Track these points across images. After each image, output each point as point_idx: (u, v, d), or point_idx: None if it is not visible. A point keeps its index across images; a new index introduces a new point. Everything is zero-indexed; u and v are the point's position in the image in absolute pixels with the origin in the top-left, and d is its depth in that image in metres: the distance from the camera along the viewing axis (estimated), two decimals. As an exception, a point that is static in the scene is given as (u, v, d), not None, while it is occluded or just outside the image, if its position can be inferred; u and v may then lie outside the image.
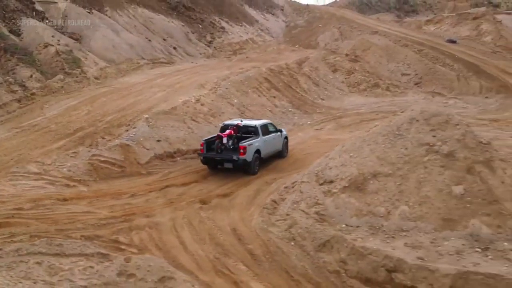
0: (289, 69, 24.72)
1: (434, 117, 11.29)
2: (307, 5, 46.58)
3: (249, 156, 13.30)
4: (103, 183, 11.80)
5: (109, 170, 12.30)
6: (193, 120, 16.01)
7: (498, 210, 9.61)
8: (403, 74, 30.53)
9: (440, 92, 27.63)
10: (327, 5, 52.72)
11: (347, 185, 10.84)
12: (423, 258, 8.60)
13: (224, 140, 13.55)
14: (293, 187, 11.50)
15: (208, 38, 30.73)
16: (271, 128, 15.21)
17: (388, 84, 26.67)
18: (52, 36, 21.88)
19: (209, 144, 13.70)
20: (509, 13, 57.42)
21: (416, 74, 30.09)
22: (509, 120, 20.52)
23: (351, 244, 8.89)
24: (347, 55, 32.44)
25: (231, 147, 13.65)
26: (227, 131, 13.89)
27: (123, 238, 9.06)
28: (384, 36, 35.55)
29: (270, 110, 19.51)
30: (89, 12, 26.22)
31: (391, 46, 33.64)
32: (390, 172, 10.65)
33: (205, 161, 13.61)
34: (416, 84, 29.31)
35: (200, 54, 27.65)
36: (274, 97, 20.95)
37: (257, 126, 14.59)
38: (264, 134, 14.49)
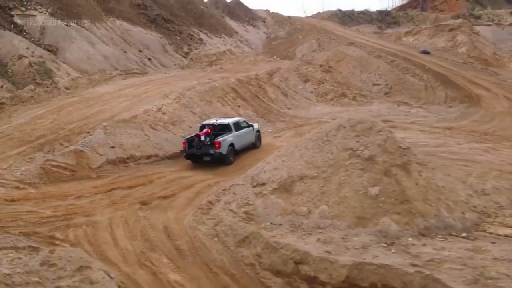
0: (258, 80, 25.63)
1: (359, 124, 12.18)
2: (289, 16, 47.67)
3: (224, 149, 15.76)
4: (52, 186, 12.59)
5: (60, 174, 13.10)
6: (152, 128, 16.83)
7: (408, 209, 10.43)
8: (374, 84, 31.55)
9: (407, 101, 28.61)
10: (310, 16, 53.83)
11: (276, 187, 11.68)
12: (330, 251, 9.39)
13: (202, 138, 15.83)
14: (229, 189, 12.34)
15: (185, 49, 31.69)
16: (243, 124, 17.66)
17: (355, 94, 27.61)
18: (27, 48, 22.79)
19: (190, 142, 16.10)
20: (488, 25, 58.81)
21: (387, 84, 31.10)
22: (462, 128, 21.45)
23: (266, 239, 9.69)
24: (321, 65, 33.47)
25: (209, 143, 15.90)
26: (204, 130, 16.23)
27: (59, 235, 9.83)
28: (359, 47, 36.59)
29: (232, 119, 20.35)
30: (66, 25, 27.17)
31: (364, 57, 34.71)
32: (315, 174, 11.49)
33: (187, 156, 16.00)
34: (386, 93, 30.31)
35: (175, 65, 28.57)
36: (239, 106, 21.83)
37: (229, 123, 17.05)
38: (236, 130, 17.00)
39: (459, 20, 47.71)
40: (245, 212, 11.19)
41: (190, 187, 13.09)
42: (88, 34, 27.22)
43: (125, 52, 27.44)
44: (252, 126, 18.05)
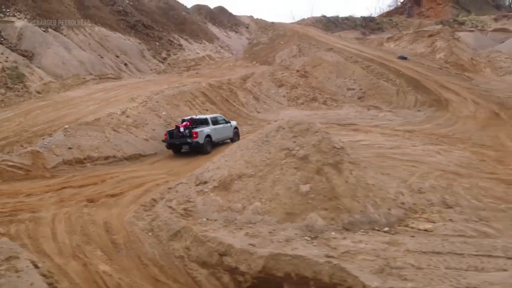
0: (230, 84, 26.27)
1: (297, 125, 12.77)
2: (272, 23, 48.43)
3: (201, 139, 17.78)
4: (5, 185, 13.13)
5: (14, 173, 13.65)
6: (114, 130, 17.40)
7: (336, 205, 11.00)
8: (349, 89, 32.30)
9: (378, 105, 29.31)
10: (295, 23, 54.61)
11: (217, 185, 12.26)
12: (255, 244, 9.95)
13: (181, 129, 17.79)
14: (174, 187, 12.91)
15: (164, 55, 32.34)
16: (221, 120, 19.88)
17: (326, 98, 28.27)
18: (1, 53, 23.37)
19: (171, 133, 18.14)
20: (471, 31, 59.73)
21: (361, 89, 31.83)
22: (423, 131, 22.09)
23: (195, 233, 10.25)
24: (297, 71, 34.26)
25: (188, 134, 17.80)
26: (184, 123, 18.29)
27: (1, 229, 10.37)
28: (338, 53, 37.37)
29: (198, 122, 20.95)
30: (44, 31, 27.78)
31: (341, 62, 35.47)
32: (253, 173, 12.07)
33: (169, 146, 18.13)
34: (359, 98, 31.04)
35: (151, 70, 29.19)
36: (207, 110, 22.43)
37: (207, 118, 19.22)
38: (214, 124, 19.06)
39: (439, 26, 48.63)
40: (185, 209, 11.75)
41: (140, 186, 13.63)
42: (66, 40, 27.82)
43: (101, 57, 28.03)
44: (229, 122, 20.26)
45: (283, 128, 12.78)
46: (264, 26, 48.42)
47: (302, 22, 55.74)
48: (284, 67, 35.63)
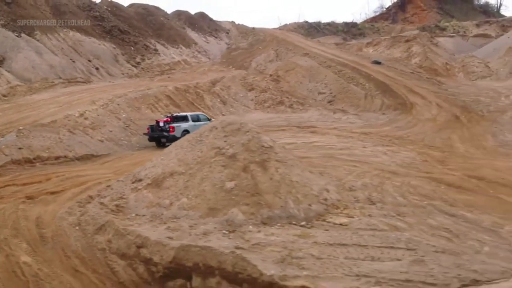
0: (197, 88, 26.86)
1: (230, 125, 13.33)
2: (253, 28, 49.12)
3: (177, 133, 19.68)
4: (-51, 183, 13.67)
5: (-38, 172, 14.20)
6: (70, 131, 17.92)
7: (257, 201, 11.53)
8: (319, 93, 32.97)
9: (346, 109, 29.94)
10: (277, 28, 55.34)
11: (150, 182, 12.78)
12: (172, 237, 10.47)
13: (161, 124, 20.00)
14: (111, 185, 13.44)
15: (138, 59, 32.94)
16: (202, 118, 21.90)
17: (293, 102, 28.90)
18: (-29, 58, 23.99)
19: (152, 128, 20.32)
20: (452, 36, 60.57)
21: (331, 93, 32.48)
22: (380, 133, 22.71)
23: (117, 226, 10.77)
24: (270, 75, 34.89)
25: (166, 128, 19.93)
26: (164, 119, 20.52)
27: None
28: (313, 58, 38.05)
29: (159, 124, 21.50)
30: (17, 36, 28.35)
31: (315, 67, 36.15)
32: (183, 171, 12.60)
33: (150, 139, 20.39)
34: (329, 102, 31.70)
35: (123, 74, 29.78)
36: (169, 112, 22.95)
37: (187, 115, 21.57)
38: (194, 121, 21.05)
39: (415, 32, 49.42)
40: (117, 205, 12.26)
41: (83, 184, 14.12)
42: (38, 45, 28.40)
43: (73, 61, 28.61)
44: (211, 120, 21.09)
45: (216, 128, 13.33)
46: (244, 31, 49.09)
47: (284, 27, 56.46)
48: (258, 71, 36.27)
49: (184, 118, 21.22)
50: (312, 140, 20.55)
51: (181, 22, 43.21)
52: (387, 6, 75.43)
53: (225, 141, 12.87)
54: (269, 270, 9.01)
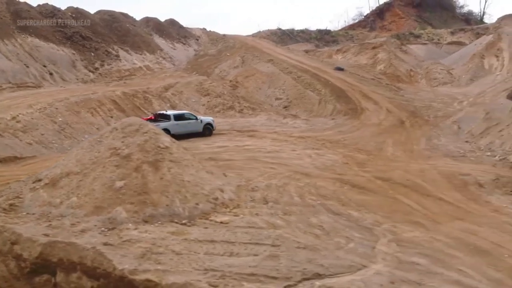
0: (146, 93, 27.15)
1: (129, 126, 13.61)
2: (224, 35, 49.55)
3: None
4: None
5: None
6: (-2, 134, 18.16)
7: (143, 200, 11.79)
8: (276, 99, 33.35)
9: (299, 114, 30.28)
10: (250, 35, 55.85)
11: (47, 182, 12.99)
12: (49, 234, 10.70)
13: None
14: (10, 185, 13.67)
15: (97, 65, 33.22)
16: (188, 116, 23.03)
17: (244, 107, 29.24)
18: None
19: None
20: (424, 43, 61.20)
21: (287, 99, 32.87)
22: (318, 137, 23.03)
23: (-5, 224, 10.99)
24: (230, 81, 35.23)
25: None
26: (149, 117, 21.98)
27: None
28: (277, 64, 38.45)
29: (97, 128, 21.75)
30: (-29, 41, 28.66)
31: (276, 73, 36.59)
32: (79, 171, 12.82)
33: None
34: (285, 107, 32.09)
35: (77, 79, 30.05)
36: (112, 117, 23.23)
37: (170, 114, 22.51)
38: (177, 120, 22.14)
39: (383, 39, 50.05)
40: (11, 204, 12.45)
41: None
42: (-8, 50, 28.67)
43: (27, 67, 28.86)
44: (198, 119, 23.04)
45: (116, 129, 13.59)
46: (215, 38, 49.49)
47: (258, 34, 56.99)
48: (220, 77, 36.63)
49: (167, 117, 22.21)
50: (245, 143, 20.85)
51: (149, 29, 43.60)
52: (365, 14, 76.17)
53: (122, 142, 13.13)
54: (124, 264, 9.26)
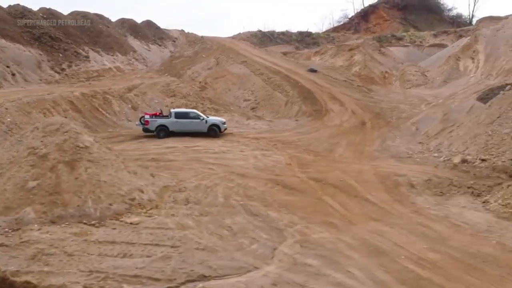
0: (107, 94, 26.89)
1: (50, 125, 13.38)
2: (202, 36, 49.33)
3: (151, 127, 22.42)
4: None
5: None
6: None
7: (54, 200, 11.57)
8: (245, 100, 33.12)
9: (264, 115, 30.04)
10: (229, 37, 55.66)
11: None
12: None
13: (146, 117, 22.79)
14: None
15: (64, 66, 32.93)
16: (192, 115, 23.25)
17: (208, 108, 29.01)
18: None
19: (140, 119, 23.52)
20: (406, 46, 61.16)
21: (255, 100, 32.66)
22: (273, 138, 22.85)
23: None
24: (200, 82, 35.03)
25: (143, 122, 22.85)
26: (154, 112, 23.86)
27: None
28: (249, 65, 38.20)
29: (48, 129, 21.46)
30: None
31: (247, 74, 36.38)
32: (-5, 171, 12.64)
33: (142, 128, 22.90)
34: (252, 108, 31.85)
35: (41, 80, 29.74)
36: (66, 117, 22.92)
37: (171, 111, 23.22)
38: (178, 118, 22.76)
39: (360, 40, 49.96)
40: None
41: None
42: (-48, 50, 28.39)
43: (-12, 67, 28.58)
44: (202, 118, 23.05)
45: (37, 129, 13.37)
46: (193, 39, 49.24)
47: (237, 36, 56.83)
48: (191, 79, 36.42)
49: (168, 114, 23.11)
50: (196, 144, 20.65)
51: (124, 30, 43.36)
52: (349, 16, 76.05)
53: (41, 141, 12.90)
54: (9, 266, 9.06)
